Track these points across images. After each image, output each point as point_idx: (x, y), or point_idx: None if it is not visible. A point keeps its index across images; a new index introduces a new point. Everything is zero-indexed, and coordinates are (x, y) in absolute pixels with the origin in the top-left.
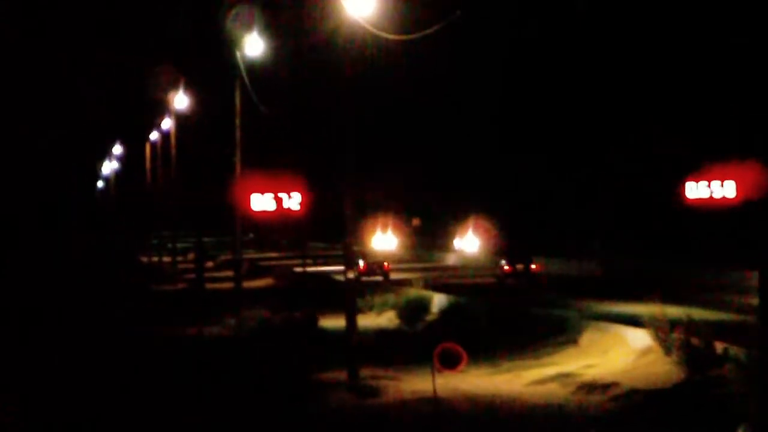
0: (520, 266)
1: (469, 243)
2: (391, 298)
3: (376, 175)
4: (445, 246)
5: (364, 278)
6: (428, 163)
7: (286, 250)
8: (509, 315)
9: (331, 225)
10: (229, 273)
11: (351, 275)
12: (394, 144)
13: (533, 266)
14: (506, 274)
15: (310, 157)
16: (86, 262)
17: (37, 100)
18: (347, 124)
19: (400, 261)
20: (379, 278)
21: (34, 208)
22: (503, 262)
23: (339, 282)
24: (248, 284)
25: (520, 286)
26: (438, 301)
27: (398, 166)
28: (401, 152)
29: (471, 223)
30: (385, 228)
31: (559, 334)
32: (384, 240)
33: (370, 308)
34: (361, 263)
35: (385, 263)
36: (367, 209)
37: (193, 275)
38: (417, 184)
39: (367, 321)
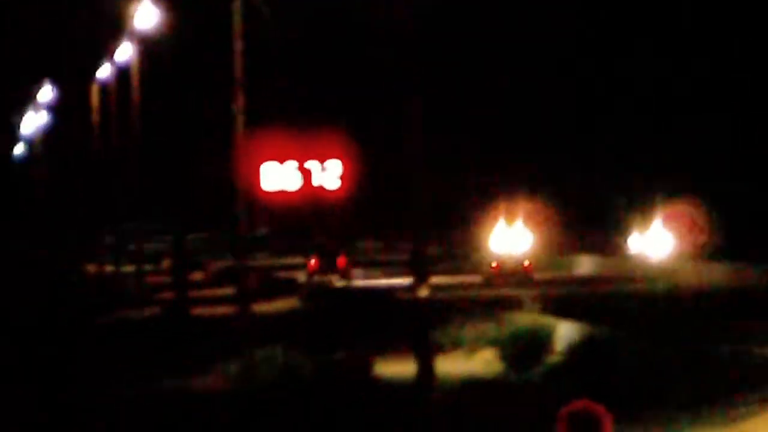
0: None
1: (655, 242)
2: (489, 329)
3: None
4: (599, 245)
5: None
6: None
7: (318, 253)
8: (675, 354)
9: (399, 214)
10: (229, 290)
11: (424, 293)
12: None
13: None
14: None
15: (357, 106)
16: None
17: None
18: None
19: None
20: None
21: None
22: None
23: (407, 303)
24: (260, 307)
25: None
26: (564, 333)
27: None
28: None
29: (661, 211)
30: (511, 219)
31: (757, 386)
32: (510, 237)
33: (457, 345)
34: (493, 263)
35: (526, 262)
36: (481, 191)
37: (171, 294)
38: (558, 157)
39: (452, 365)
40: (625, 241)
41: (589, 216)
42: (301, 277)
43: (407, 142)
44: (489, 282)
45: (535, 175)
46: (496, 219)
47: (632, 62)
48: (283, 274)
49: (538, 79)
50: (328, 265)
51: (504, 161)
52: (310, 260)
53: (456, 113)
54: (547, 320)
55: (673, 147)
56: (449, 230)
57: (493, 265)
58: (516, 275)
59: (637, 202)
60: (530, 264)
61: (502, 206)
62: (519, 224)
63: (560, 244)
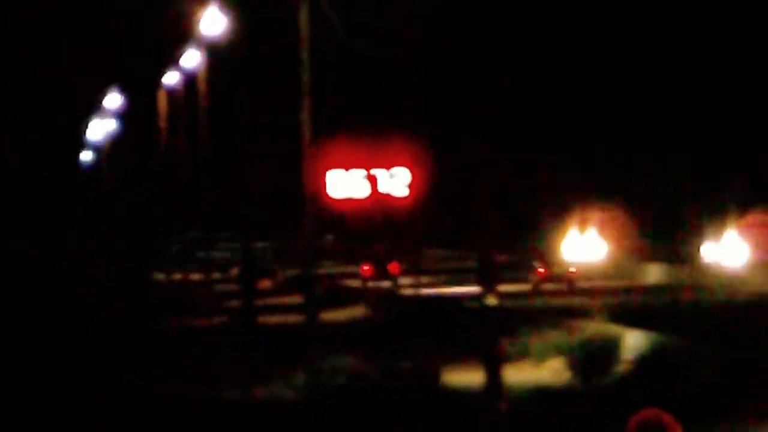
0: None
1: (730, 251)
2: (557, 338)
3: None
4: (670, 253)
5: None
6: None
7: (370, 260)
8: (745, 363)
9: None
10: (297, 298)
11: (492, 301)
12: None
13: None
14: None
15: (426, 113)
16: (61, 285)
17: None
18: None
19: (585, 278)
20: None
21: None
22: None
23: (474, 311)
24: (328, 316)
25: None
26: (632, 342)
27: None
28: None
29: (736, 219)
30: (584, 225)
31: None
32: (581, 244)
33: (525, 354)
34: (540, 269)
35: (572, 269)
36: (552, 198)
37: (238, 302)
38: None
39: (520, 374)
40: (698, 249)
41: (661, 223)
42: (367, 285)
43: (474, 148)
44: (536, 289)
45: (609, 182)
46: (569, 226)
47: (713, 64)
48: (350, 283)
49: (617, 82)
50: (380, 272)
51: (575, 167)
52: (362, 267)
53: (529, 118)
54: (615, 329)
55: (751, 153)
56: (520, 238)
57: (541, 271)
58: (562, 282)
59: (711, 210)
60: (575, 271)
61: (575, 213)
62: (592, 232)
63: (632, 252)
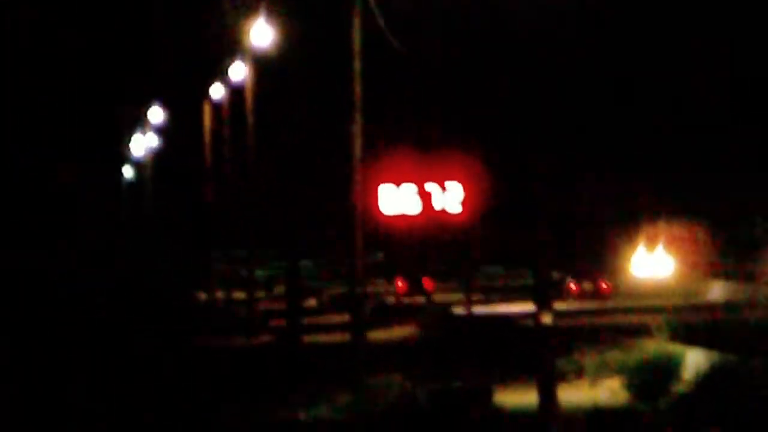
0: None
1: None
2: (614, 356)
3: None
4: (736, 270)
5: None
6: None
7: (438, 278)
8: None
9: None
10: (344, 317)
11: (546, 319)
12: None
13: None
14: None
15: (481, 126)
16: (105, 303)
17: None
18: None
19: (652, 294)
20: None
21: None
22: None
23: (528, 331)
24: (375, 335)
25: None
26: (694, 360)
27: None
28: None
29: None
30: (652, 242)
31: None
32: (650, 261)
33: (580, 373)
34: (572, 284)
35: (603, 282)
36: (628, 211)
37: (283, 321)
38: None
39: (575, 394)
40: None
41: (730, 240)
42: (402, 300)
43: (531, 162)
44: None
45: (675, 197)
46: (636, 243)
47: None
48: (400, 300)
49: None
50: (415, 287)
51: (642, 180)
52: (396, 283)
53: (595, 131)
54: (675, 347)
55: None
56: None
57: (572, 287)
58: (593, 296)
59: None
60: (608, 286)
61: (644, 229)
62: (660, 248)
63: (699, 269)
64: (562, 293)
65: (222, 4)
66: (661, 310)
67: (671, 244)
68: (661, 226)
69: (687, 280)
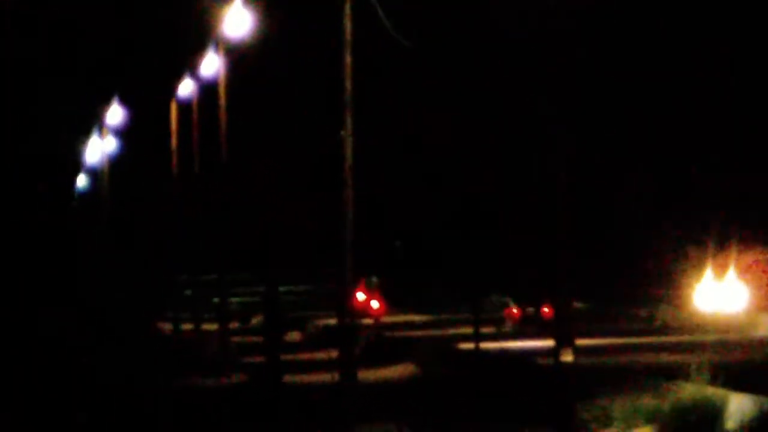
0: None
1: None
2: (647, 402)
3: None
4: None
5: None
6: None
7: (441, 308)
8: None
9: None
10: (333, 353)
11: (568, 358)
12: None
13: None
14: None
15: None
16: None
17: None
18: None
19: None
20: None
21: None
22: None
23: (545, 369)
24: (368, 374)
25: None
26: (737, 407)
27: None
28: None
29: None
30: (721, 272)
31: None
32: (718, 293)
33: (606, 422)
34: (514, 309)
35: (545, 306)
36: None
37: (261, 357)
38: None
39: None
40: None
41: None
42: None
43: (554, 178)
44: (500, 332)
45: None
46: (702, 271)
47: None
48: (399, 334)
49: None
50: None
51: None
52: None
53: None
54: (716, 392)
55: None
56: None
57: (514, 311)
58: (534, 322)
59: None
60: (550, 310)
61: (711, 255)
62: (731, 278)
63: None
64: (504, 318)
65: None
66: (704, 346)
67: (745, 273)
68: (733, 252)
69: (760, 314)
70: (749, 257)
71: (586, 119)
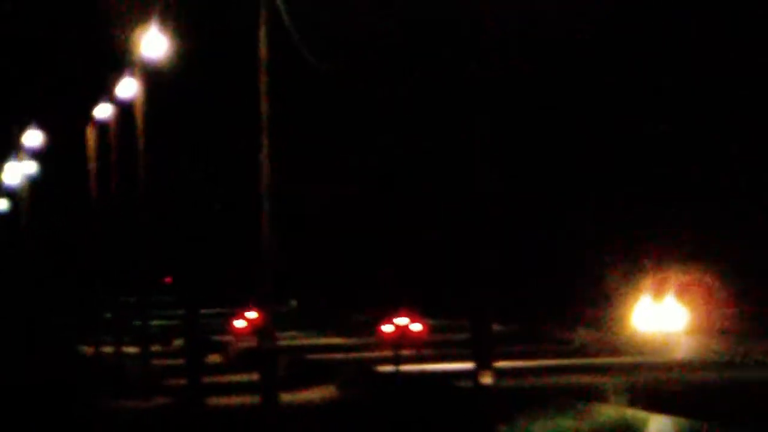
0: None
1: None
2: (566, 425)
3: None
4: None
5: None
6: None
7: (360, 330)
8: None
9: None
10: (254, 376)
11: (487, 380)
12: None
13: None
14: None
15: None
16: None
17: None
18: None
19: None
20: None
21: None
22: None
23: (464, 392)
24: (291, 397)
25: None
26: (657, 429)
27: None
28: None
29: None
30: (660, 291)
31: None
32: (657, 313)
33: None
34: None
35: (419, 326)
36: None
37: (183, 380)
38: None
39: None
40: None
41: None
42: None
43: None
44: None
45: (689, 242)
46: (639, 293)
47: None
48: (318, 356)
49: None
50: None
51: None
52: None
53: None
54: (636, 413)
55: None
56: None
57: (387, 330)
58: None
59: None
60: (424, 328)
61: (649, 275)
62: (669, 299)
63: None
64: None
65: (110, 14)
66: (623, 368)
67: (684, 293)
68: (672, 272)
69: (701, 334)
70: (687, 278)
71: (527, 135)
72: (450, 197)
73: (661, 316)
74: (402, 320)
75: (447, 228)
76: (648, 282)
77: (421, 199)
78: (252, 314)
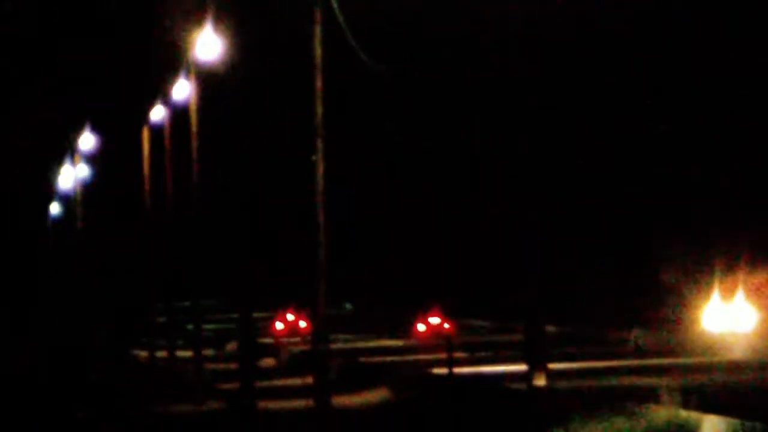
0: None
1: None
2: (619, 426)
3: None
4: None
5: None
6: None
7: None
8: None
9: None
10: (308, 380)
11: (540, 382)
12: None
13: None
14: None
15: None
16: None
17: None
18: None
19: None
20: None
21: None
22: None
23: (518, 394)
24: (343, 400)
25: None
26: (711, 430)
27: None
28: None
29: None
30: (729, 292)
31: None
32: (727, 314)
33: None
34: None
35: (446, 324)
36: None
37: (235, 384)
38: None
39: None
40: None
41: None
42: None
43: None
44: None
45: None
46: (707, 293)
47: None
48: (371, 360)
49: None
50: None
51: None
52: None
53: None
54: (690, 415)
55: None
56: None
57: (421, 329)
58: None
59: None
60: (451, 326)
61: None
62: (739, 300)
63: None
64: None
65: (165, 17)
66: (682, 369)
67: (754, 293)
68: (742, 272)
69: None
70: (757, 277)
71: (585, 119)
72: (502, 198)
73: (731, 316)
74: (434, 320)
75: (498, 229)
76: (717, 282)
77: (476, 201)
78: (291, 317)
